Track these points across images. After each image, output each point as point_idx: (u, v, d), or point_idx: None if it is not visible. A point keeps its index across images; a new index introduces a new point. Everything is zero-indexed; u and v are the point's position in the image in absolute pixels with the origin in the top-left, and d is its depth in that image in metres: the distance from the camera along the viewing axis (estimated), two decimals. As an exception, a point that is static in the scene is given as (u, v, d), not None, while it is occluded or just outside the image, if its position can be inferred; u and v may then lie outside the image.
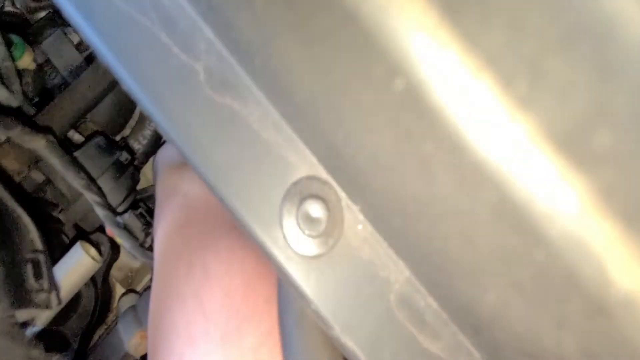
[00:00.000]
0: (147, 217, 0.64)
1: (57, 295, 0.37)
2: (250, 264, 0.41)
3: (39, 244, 0.36)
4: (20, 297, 0.31)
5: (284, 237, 0.26)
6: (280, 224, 0.27)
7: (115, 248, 0.65)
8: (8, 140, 0.39)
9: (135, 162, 0.76)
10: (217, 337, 0.35)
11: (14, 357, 0.28)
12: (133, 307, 0.56)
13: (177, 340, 0.37)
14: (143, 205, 0.67)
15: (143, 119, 0.89)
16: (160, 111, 0.27)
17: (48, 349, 0.31)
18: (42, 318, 0.39)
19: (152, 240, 0.62)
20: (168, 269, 0.43)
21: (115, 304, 0.65)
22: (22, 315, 0.31)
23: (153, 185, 0.92)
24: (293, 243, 0.26)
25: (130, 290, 0.65)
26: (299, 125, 0.28)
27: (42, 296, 0.34)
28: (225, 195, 0.27)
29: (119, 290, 0.66)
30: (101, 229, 0.63)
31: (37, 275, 0.34)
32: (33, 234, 0.36)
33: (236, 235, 0.45)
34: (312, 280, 0.26)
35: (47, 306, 0.34)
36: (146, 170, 0.93)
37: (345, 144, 0.21)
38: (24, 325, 0.31)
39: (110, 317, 0.64)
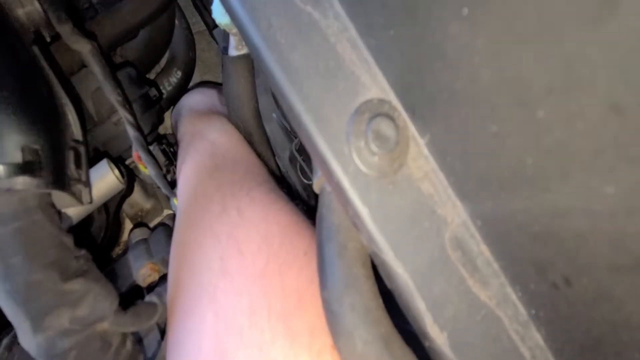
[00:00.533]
0: (169, 154, 0.63)
1: (90, 192, 0.36)
2: (286, 217, 0.41)
3: (80, 137, 0.34)
4: (61, 179, 0.30)
5: (349, 152, 0.25)
6: (347, 139, 0.25)
7: (130, 183, 0.64)
8: (56, 38, 0.37)
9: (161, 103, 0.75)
10: (255, 274, 0.34)
11: (46, 236, 0.27)
12: (145, 240, 0.55)
13: (208, 272, 0.36)
14: (166, 145, 0.65)
15: (170, 65, 0.88)
16: (242, 4, 0.26)
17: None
18: (71, 214, 0.38)
19: (171, 178, 0.61)
20: (199, 206, 0.42)
21: (123, 239, 0.64)
22: (56, 200, 0.30)
23: (172, 134, 0.91)
24: (358, 159, 0.25)
25: (142, 224, 0.64)
26: (377, 44, 0.27)
27: (78, 187, 0.33)
28: (293, 99, 0.26)
29: (127, 226, 0.65)
30: (120, 159, 0.62)
31: (77, 165, 0.33)
32: (76, 126, 0.34)
33: (268, 189, 0.45)
34: (372, 200, 0.25)
35: (80, 199, 0.33)
36: (165, 119, 0.92)
37: (441, 57, 0.20)
38: (58, 213, 0.30)
39: (117, 250, 0.63)
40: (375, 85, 0.27)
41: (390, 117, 0.26)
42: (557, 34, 0.13)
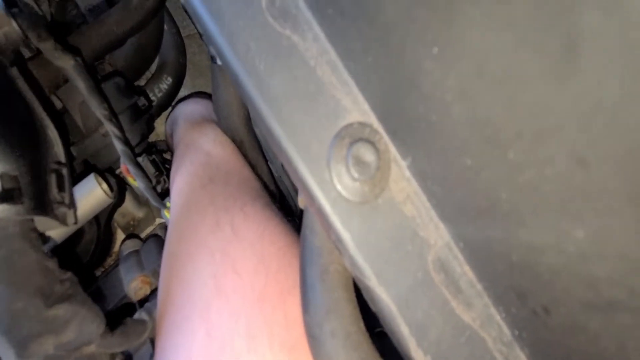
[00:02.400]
0: (159, 165, 0.62)
1: (74, 213, 0.36)
2: (282, 237, 0.40)
3: (62, 157, 0.34)
4: (42, 204, 0.29)
5: (331, 177, 0.25)
6: (327, 164, 0.25)
7: (121, 193, 0.64)
8: (38, 54, 0.37)
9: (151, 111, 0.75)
10: (253, 297, 0.33)
11: (29, 262, 0.27)
12: (136, 252, 0.55)
13: (200, 288, 0.35)
14: (156, 154, 0.65)
15: (160, 71, 0.87)
16: (220, 29, 0.25)
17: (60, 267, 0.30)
18: (56, 235, 0.38)
19: (162, 188, 0.61)
20: (192, 218, 0.42)
21: (115, 249, 0.63)
22: (39, 225, 0.30)
23: (163, 140, 0.90)
24: (339, 185, 0.25)
25: (134, 235, 0.63)
26: (357, 68, 0.26)
27: (62, 209, 0.33)
28: (273, 125, 0.25)
29: (119, 236, 0.65)
30: (110, 170, 0.61)
31: (60, 188, 0.33)
32: (58, 146, 0.34)
33: (262, 204, 0.45)
34: (354, 225, 0.25)
35: (64, 222, 0.33)
36: (156, 125, 0.91)
37: (422, 81, 0.20)
38: (41, 237, 0.30)
39: (109, 261, 0.63)
40: (356, 109, 0.27)
41: (371, 142, 0.26)
42: (522, 83, 0.13)
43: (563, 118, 0.12)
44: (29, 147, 0.30)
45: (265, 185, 0.55)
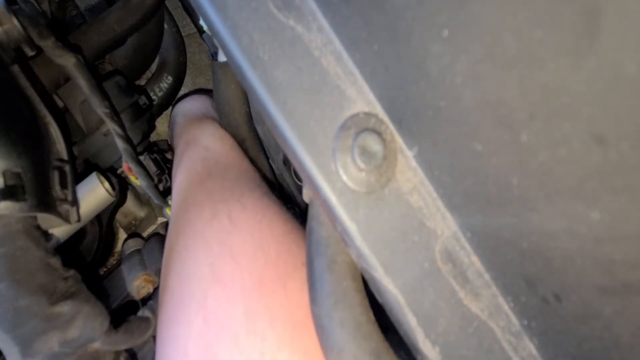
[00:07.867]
0: (161, 163, 0.62)
1: (77, 211, 0.35)
2: (280, 224, 0.40)
3: (65, 155, 0.34)
4: (45, 201, 0.29)
5: (336, 168, 0.25)
6: (333, 154, 0.25)
7: (123, 192, 0.64)
8: (39, 53, 0.37)
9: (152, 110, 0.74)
10: (252, 281, 0.33)
11: (32, 260, 0.26)
12: (138, 250, 0.54)
13: (197, 278, 0.35)
14: (157, 153, 0.65)
15: (161, 70, 0.87)
16: (223, 20, 0.25)
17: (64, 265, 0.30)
18: (59, 233, 0.37)
19: (164, 187, 0.60)
20: (190, 212, 0.41)
21: (117, 248, 0.63)
22: (42, 222, 0.30)
23: (164, 140, 0.90)
24: (345, 175, 0.25)
25: (136, 235, 0.63)
26: (362, 57, 0.26)
27: (64, 207, 0.32)
28: (278, 116, 0.25)
29: (121, 235, 0.65)
30: (111, 170, 0.61)
31: (63, 185, 0.32)
32: (60, 144, 0.34)
33: (260, 194, 0.44)
34: (360, 216, 0.25)
35: (67, 219, 0.33)
36: (157, 124, 0.91)
37: (429, 66, 0.19)
38: (45, 234, 0.29)
39: (111, 260, 0.62)
40: (361, 99, 0.27)
41: (377, 132, 0.26)
42: (537, 62, 0.13)
43: (580, 95, 0.12)
44: (32, 144, 0.29)
45: (264, 177, 0.55)
